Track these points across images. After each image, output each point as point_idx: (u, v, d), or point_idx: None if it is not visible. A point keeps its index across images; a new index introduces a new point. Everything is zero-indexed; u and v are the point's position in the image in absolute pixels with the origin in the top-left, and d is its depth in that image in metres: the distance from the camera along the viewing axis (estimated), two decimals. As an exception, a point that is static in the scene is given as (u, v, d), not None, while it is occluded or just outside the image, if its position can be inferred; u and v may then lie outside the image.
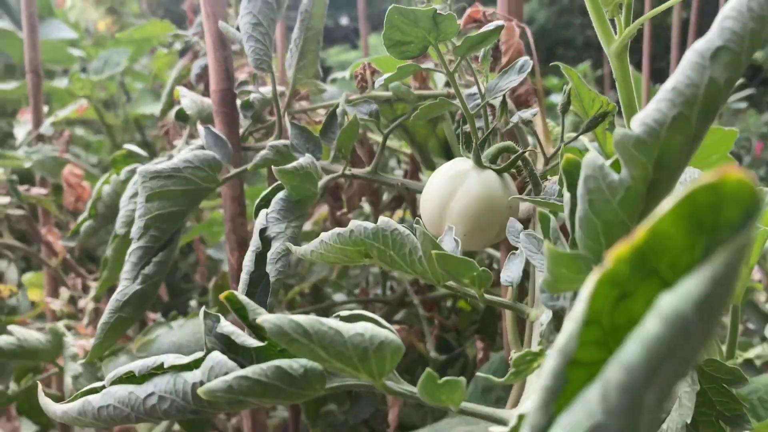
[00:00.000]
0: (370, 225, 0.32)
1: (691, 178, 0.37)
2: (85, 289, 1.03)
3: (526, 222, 0.46)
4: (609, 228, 0.23)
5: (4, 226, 0.95)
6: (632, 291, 0.15)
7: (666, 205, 0.14)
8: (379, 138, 0.88)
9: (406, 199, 0.92)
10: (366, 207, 1.11)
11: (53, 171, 1.00)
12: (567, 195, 0.26)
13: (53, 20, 1.99)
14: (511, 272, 0.33)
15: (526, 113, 0.47)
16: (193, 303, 1.05)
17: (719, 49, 0.23)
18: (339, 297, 1.16)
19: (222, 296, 0.28)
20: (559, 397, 0.16)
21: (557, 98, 2.49)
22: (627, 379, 0.14)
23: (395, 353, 0.27)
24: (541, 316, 0.30)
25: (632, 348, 0.14)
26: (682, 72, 0.23)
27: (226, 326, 0.29)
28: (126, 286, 0.52)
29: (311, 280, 0.99)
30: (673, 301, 0.14)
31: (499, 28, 0.43)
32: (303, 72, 0.62)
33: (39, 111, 1.05)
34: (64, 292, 1.01)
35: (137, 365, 0.30)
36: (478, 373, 0.52)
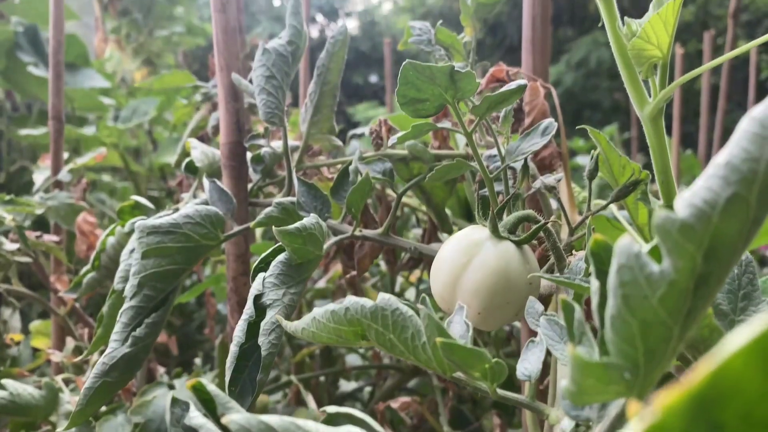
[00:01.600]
0: (368, 303, 0.28)
1: (746, 261, 0.33)
2: (92, 339, 0.99)
3: (547, 298, 0.42)
4: (647, 329, 0.19)
5: (14, 272, 0.93)
6: (687, 449, 0.11)
7: (737, 339, 0.10)
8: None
9: (425, 259, 0.88)
10: (382, 265, 1.07)
11: (67, 218, 0.99)
12: (595, 284, 0.22)
13: (87, 69, 2.05)
14: (529, 364, 0.29)
15: (549, 179, 0.44)
16: (197, 361, 1.01)
17: (783, 117, 0.19)
18: (351, 358, 1.11)
19: (188, 385, 0.24)
20: None
21: (583, 160, 2.46)
22: None
23: (386, 464, 0.22)
24: (562, 422, 0.26)
25: None
26: (737, 144, 0.19)
27: (195, 417, 0.25)
28: (114, 348, 0.48)
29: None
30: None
31: (522, 88, 0.40)
32: (317, 127, 0.59)
33: (59, 157, 1.05)
34: (70, 342, 0.98)
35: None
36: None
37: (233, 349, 0.39)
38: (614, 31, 0.41)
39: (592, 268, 0.22)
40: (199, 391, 0.25)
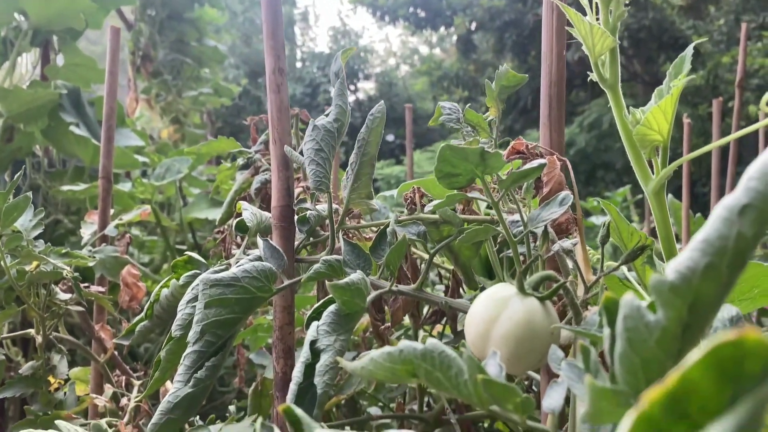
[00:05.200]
0: (419, 345, 0.34)
1: (728, 315, 0.39)
2: (128, 386, 1.05)
3: (566, 348, 0.47)
4: (647, 365, 0.25)
5: (61, 320, 1.00)
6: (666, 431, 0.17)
7: (694, 355, 0.16)
8: (422, 253, 0.91)
9: (447, 314, 0.93)
10: (407, 319, 1.12)
11: (112, 270, 1.06)
12: (607, 331, 0.28)
13: (123, 129, 2.16)
14: (552, 400, 0.34)
15: (567, 243, 0.50)
16: (231, 408, 1.05)
17: (745, 206, 0.25)
18: (374, 410, 1.15)
19: (280, 408, 0.30)
20: None
21: (597, 220, 2.52)
22: None
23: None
24: (583, 447, 0.31)
25: (667, 485, 0.16)
26: (712, 225, 0.25)
27: (280, 437, 0.31)
28: (178, 388, 0.54)
29: (348, 392, 0.98)
30: (702, 443, 0.15)
31: (542, 166, 0.47)
32: (357, 193, 0.66)
33: (106, 213, 1.13)
34: (108, 389, 1.03)
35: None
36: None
37: (292, 387, 0.45)
38: (621, 119, 0.48)
39: (604, 319, 0.28)
40: (288, 414, 0.31)
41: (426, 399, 1.06)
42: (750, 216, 0.25)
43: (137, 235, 2.21)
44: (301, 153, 0.64)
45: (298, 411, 0.30)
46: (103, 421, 0.86)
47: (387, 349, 0.35)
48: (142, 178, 1.94)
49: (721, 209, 0.26)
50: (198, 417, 0.99)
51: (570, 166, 0.64)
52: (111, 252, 1.07)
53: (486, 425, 1.06)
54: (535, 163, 0.48)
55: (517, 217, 0.57)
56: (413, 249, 0.91)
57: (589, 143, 7.20)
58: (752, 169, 0.27)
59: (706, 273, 0.25)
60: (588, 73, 0.53)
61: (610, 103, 0.48)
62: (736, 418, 0.15)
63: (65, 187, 1.71)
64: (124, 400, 1.00)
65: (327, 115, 0.64)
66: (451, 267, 0.86)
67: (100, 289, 1.02)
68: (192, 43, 3.18)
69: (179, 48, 3.31)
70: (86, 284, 1.02)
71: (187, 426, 0.95)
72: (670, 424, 0.17)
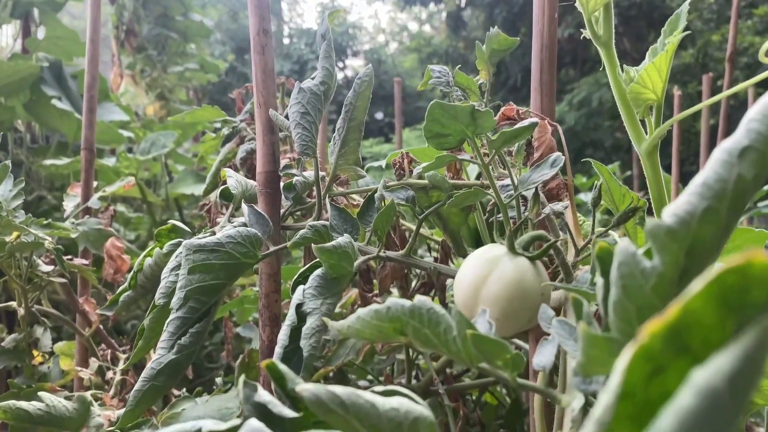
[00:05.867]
0: (407, 302, 0.33)
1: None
2: (114, 360, 1.04)
3: (556, 311, 0.47)
4: (642, 312, 0.24)
5: (44, 294, 0.98)
6: (666, 366, 0.16)
7: (697, 285, 0.15)
8: (411, 225, 0.90)
9: (436, 285, 0.92)
10: (395, 292, 1.12)
11: (96, 243, 1.04)
12: (600, 281, 0.27)
13: (108, 103, 2.12)
14: (543, 357, 0.34)
15: (558, 206, 0.49)
16: (218, 380, 1.05)
17: (746, 148, 0.24)
18: (362, 383, 1.15)
19: (263, 364, 0.29)
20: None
21: (585, 197, 2.52)
22: (662, 450, 0.15)
23: (429, 430, 0.27)
24: (573, 402, 0.30)
25: (666, 421, 0.15)
26: (711, 168, 0.24)
27: (263, 395, 0.30)
28: (162, 355, 0.53)
29: (337, 363, 0.98)
30: (705, 375, 0.14)
31: (533, 125, 0.46)
32: (344, 158, 0.65)
33: (89, 186, 1.11)
34: (94, 362, 1.02)
35: (174, 429, 0.30)
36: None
37: (278, 350, 0.44)
38: (615, 77, 0.47)
39: (597, 269, 0.27)
40: (272, 370, 0.30)
41: (414, 371, 1.06)
42: (750, 158, 0.24)
43: (122, 211, 2.18)
44: (287, 117, 0.62)
45: (282, 366, 0.29)
46: (87, 393, 0.85)
47: (374, 306, 0.34)
48: (127, 154, 1.91)
49: (719, 152, 0.25)
50: (185, 390, 0.98)
51: (561, 130, 0.63)
52: (94, 224, 1.05)
53: (474, 397, 1.07)
54: (527, 122, 0.46)
55: (507, 181, 0.56)
56: (402, 221, 0.90)
57: (578, 121, 7.20)
58: (753, 111, 0.26)
59: (704, 216, 0.24)
60: (582, 36, 0.52)
61: (603, 61, 0.47)
62: (739, 350, 0.14)
63: (48, 162, 1.68)
64: (109, 374, 0.99)
65: (313, 78, 0.62)
66: (440, 239, 0.85)
67: (84, 261, 1.00)
68: (177, 18, 3.12)
69: (164, 22, 3.26)
70: (69, 257, 1.00)
71: (173, 397, 0.94)
72: (670, 358, 0.16)
